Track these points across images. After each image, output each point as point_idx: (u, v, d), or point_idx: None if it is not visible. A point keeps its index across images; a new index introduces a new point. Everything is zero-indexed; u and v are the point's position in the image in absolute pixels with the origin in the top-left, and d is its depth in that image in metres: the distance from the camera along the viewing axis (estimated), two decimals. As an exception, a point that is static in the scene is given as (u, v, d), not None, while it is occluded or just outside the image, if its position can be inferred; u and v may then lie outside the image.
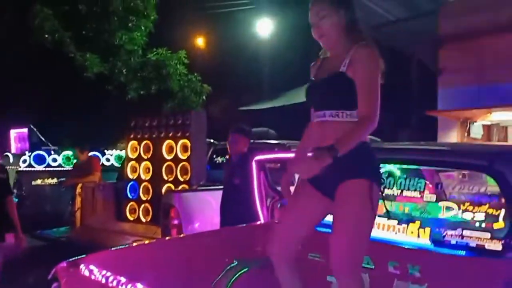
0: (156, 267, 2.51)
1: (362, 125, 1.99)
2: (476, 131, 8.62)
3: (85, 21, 14.41)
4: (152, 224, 6.35)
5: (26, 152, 9.61)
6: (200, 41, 18.83)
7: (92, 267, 2.43)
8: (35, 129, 10.37)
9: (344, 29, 2.13)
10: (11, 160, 9.39)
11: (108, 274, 2.32)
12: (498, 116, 8.20)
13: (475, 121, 8.49)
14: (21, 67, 13.03)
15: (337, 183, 2.05)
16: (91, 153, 7.96)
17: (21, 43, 13.49)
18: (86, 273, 2.41)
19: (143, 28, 14.73)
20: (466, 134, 8.49)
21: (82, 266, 2.46)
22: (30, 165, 9.19)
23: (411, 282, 2.36)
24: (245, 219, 3.72)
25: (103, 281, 2.32)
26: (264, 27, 16.40)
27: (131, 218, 6.77)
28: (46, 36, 13.58)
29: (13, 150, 10.50)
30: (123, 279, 2.24)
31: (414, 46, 9.41)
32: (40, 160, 9.19)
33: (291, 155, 2.58)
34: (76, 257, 2.56)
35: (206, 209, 5.14)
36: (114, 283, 2.26)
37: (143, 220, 6.64)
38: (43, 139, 10.20)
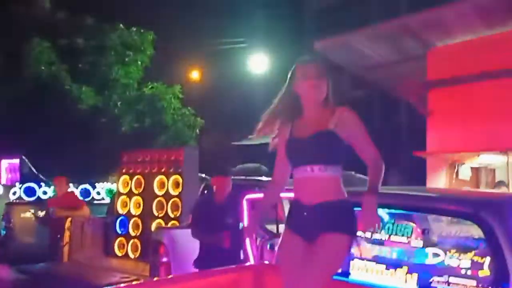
0: None
1: (380, 163, 2.28)
2: (465, 173, 8.70)
3: (82, 55, 14.66)
4: (140, 260, 6.28)
5: (17, 184, 9.55)
6: (195, 76, 19.14)
7: None
8: (26, 160, 10.33)
9: (331, 93, 2.40)
10: (1, 191, 9.31)
11: None
12: (486, 159, 8.32)
13: (463, 163, 8.60)
14: (15, 98, 13.09)
15: (321, 233, 2.22)
16: (82, 186, 7.92)
17: (16, 74, 13.60)
18: None
19: (139, 62, 15.01)
20: (454, 176, 8.58)
21: None
22: (20, 197, 9.13)
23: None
24: (235, 259, 3.74)
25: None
26: (258, 64, 16.75)
27: (120, 254, 6.70)
28: (43, 68, 13.77)
29: (3, 181, 10.42)
30: None
31: (403, 88, 9.62)
32: (30, 192, 9.13)
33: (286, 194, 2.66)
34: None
35: (196, 247, 5.11)
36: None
37: (132, 256, 6.57)
38: (34, 170, 10.15)
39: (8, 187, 9.54)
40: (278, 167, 2.50)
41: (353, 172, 9.39)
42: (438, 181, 8.61)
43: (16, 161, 10.55)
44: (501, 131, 7.77)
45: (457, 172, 8.62)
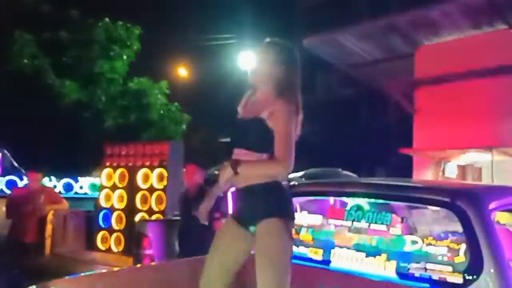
0: None
1: (272, 162, 2.18)
2: (451, 170, 8.78)
3: (66, 49, 14.44)
4: (123, 254, 6.21)
5: None
6: (182, 72, 19.01)
7: None
8: (8, 154, 10.14)
9: (277, 81, 2.29)
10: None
11: None
12: (472, 156, 8.40)
13: (450, 161, 8.67)
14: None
15: (254, 222, 2.21)
16: (64, 180, 7.76)
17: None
18: None
19: (125, 57, 14.82)
20: (441, 173, 8.64)
21: None
22: (1, 191, 8.95)
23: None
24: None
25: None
26: (246, 60, 16.68)
27: (103, 248, 6.60)
28: (26, 61, 13.53)
29: (-17, 175, 10.22)
30: None
31: (391, 86, 9.67)
32: (12, 185, 8.96)
33: None
34: (45, 281, 2.56)
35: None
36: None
37: (115, 250, 6.48)
38: (15, 164, 9.97)
39: (-11, 180, 9.35)
40: None
41: (339, 169, 9.46)
42: (424, 178, 8.66)
43: (-3, 154, 10.35)
44: (486, 129, 7.87)
45: (443, 170, 8.68)
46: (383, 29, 8.91)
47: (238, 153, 2.27)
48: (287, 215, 2.24)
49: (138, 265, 4.65)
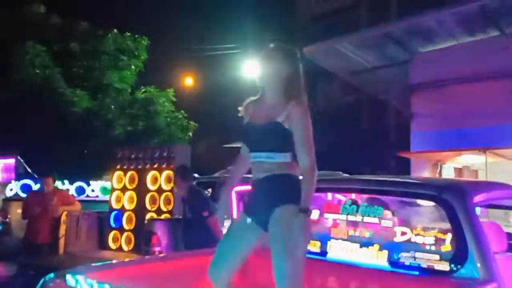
0: (140, 278, 2.71)
1: (311, 175, 2.27)
2: (448, 173, 9.03)
3: (75, 59, 14.84)
4: (134, 252, 6.50)
5: (13, 181, 9.73)
6: (188, 81, 19.34)
7: (78, 277, 2.58)
8: (22, 160, 10.53)
9: (285, 83, 2.39)
10: (-2, 189, 9.48)
11: (93, 282, 2.46)
12: (467, 159, 8.64)
13: (446, 163, 8.92)
14: (10, 100, 13.26)
15: (269, 212, 2.30)
16: (77, 184, 8.08)
17: (11, 77, 13.75)
18: (72, 283, 2.56)
19: (133, 67, 15.19)
20: (437, 176, 8.87)
21: (68, 277, 2.62)
22: (16, 194, 9.30)
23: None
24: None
25: (88, 288, 2.51)
26: (251, 69, 17.03)
27: (114, 247, 6.91)
28: (37, 71, 13.94)
29: (-1, 179, 10.60)
30: (107, 286, 2.38)
31: (389, 92, 9.94)
32: (27, 189, 9.31)
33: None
34: (63, 270, 2.73)
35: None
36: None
37: (125, 248, 6.78)
38: (29, 170, 10.34)
39: (4, 185, 9.72)
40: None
41: (340, 172, 9.71)
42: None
43: (11, 161, 10.74)
44: (480, 131, 8.11)
45: (440, 172, 8.94)
46: (380, 37, 9.21)
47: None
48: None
49: (148, 256, 4.93)
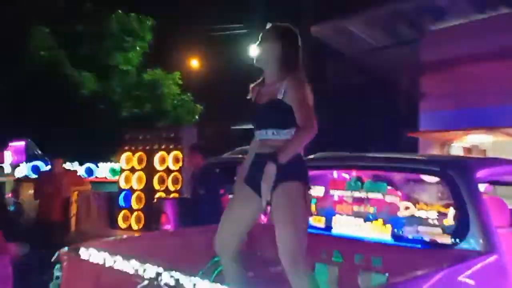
0: (150, 251, 2.78)
1: (303, 131, 2.28)
2: (456, 152, 8.99)
3: (81, 41, 14.76)
4: (143, 231, 6.60)
5: (24, 163, 9.83)
6: (194, 62, 19.22)
7: (91, 250, 2.61)
8: (32, 142, 10.62)
9: (280, 61, 2.43)
10: (9, 170, 9.58)
11: (105, 254, 2.50)
12: (476, 138, 8.60)
13: (454, 143, 8.88)
14: (16, 83, 13.30)
15: (274, 185, 2.29)
16: (86, 165, 8.15)
17: (17, 59, 13.76)
18: (85, 256, 2.58)
19: (138, 49, 15.08)
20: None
21: (82, 250, 2.65)
22: (26, 176, 9.40)
23: (374, 272, 2.69)
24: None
25: (101, 261, 2.57)
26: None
27: (124, 226, 7.02)
28: (42, 53, 13.89)
29: (9, 162, 10.71)
30: (119, 258, 2.41)
31: (398, 71, 9.85)
32: (36, 170, 9.40)
33: None
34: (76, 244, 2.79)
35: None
36: (111, 262, 2.50)
37: (135, 227, 6.89)
38: (39, 151, 10.44)
39: (14, 166, 9.83)
40: None
41: (348, 153, 9.68)
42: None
43: (21, 143, 10.84)
44: (489, 111, 8.05)
45: (448, 152, 8.90)
46: (390, 15, 9.10)
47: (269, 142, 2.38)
48: (305, 180, 2.38)
49: (158, 231, 4.98)
